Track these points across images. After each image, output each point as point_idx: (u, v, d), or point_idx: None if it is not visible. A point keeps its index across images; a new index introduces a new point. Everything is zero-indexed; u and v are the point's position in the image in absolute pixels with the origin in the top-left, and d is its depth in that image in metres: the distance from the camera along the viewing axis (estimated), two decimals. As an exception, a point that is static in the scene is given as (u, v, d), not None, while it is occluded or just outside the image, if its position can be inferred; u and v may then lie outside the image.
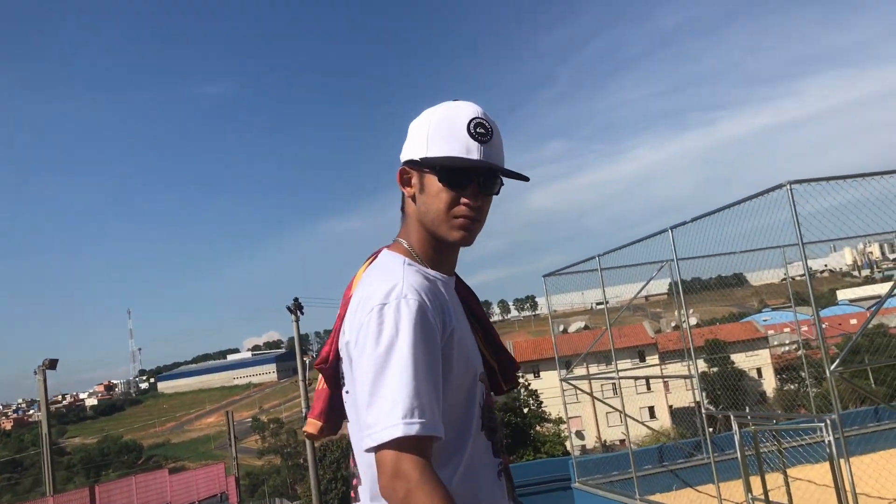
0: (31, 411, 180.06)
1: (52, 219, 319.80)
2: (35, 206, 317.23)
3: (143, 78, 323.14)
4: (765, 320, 56.41)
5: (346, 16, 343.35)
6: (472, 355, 1.55)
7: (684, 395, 46.40)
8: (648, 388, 50.05)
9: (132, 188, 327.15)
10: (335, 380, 1.61)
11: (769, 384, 51.49)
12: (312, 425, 1.72)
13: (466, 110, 1.54)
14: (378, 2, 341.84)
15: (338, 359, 1.56)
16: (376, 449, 1.30)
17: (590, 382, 15.78)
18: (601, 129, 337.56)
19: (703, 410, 9.09)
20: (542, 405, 33.49)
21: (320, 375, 1.66)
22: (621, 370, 12.11)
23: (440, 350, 1.41)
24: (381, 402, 1.31)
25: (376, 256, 1.62)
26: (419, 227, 1.57)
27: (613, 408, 12.56)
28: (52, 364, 16.68)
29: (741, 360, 48.40)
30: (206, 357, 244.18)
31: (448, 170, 1.50)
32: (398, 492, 1.26)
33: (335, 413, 1.69)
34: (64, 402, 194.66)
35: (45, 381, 16.55)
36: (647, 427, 21.63)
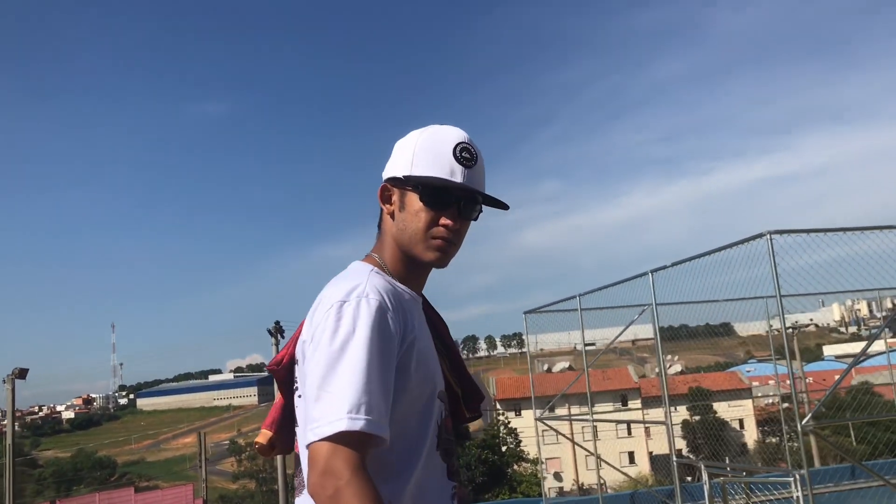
0: (5, 421, 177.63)
1: (39, 228, 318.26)
2: (23, 215, 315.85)
3: (139, 92, 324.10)
4: (748, 371, 56.36)
5: (349, 47, 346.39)
6: (435, 372, 1.53)
7: (664, 442, 46.23)
8: (629, 433, 49.72)
9: (123, 202, 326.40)
10: (289, 385, 1.58)
11: (751, 436, 51.24)
12: (263, 436, 1.68)
13: (453, 134, 1.56)
14: (381, 35, 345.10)
15: (293, 362, 1.55)
16: (312, 444, 1.27)
17: (571, 424, 15.68)
18: (597, 171, 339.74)
19: (675, 459, 8.98)
20: (521, 444, 33.19)
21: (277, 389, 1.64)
22: (601, 413, 12.02)
23: (396, 355, 1.40)
24: (329, 397, 1.29)
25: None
26: (394, 245, 1.58)
27: (588, 451, 12.43)
28: (22, 374, 16.36)
29: (724, 409, 48.22)
30: (188, 376, 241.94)
31: (430, 189, 1.51)
32: (327, 489, 1.23)
33: (288, 423, 1.64)
34: (40, 413, 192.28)
35: (13, 390, 16.25)
36: (622, 473, 21.44)
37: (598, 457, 11.41)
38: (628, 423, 37.54)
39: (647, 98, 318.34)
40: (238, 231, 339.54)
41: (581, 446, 13.28)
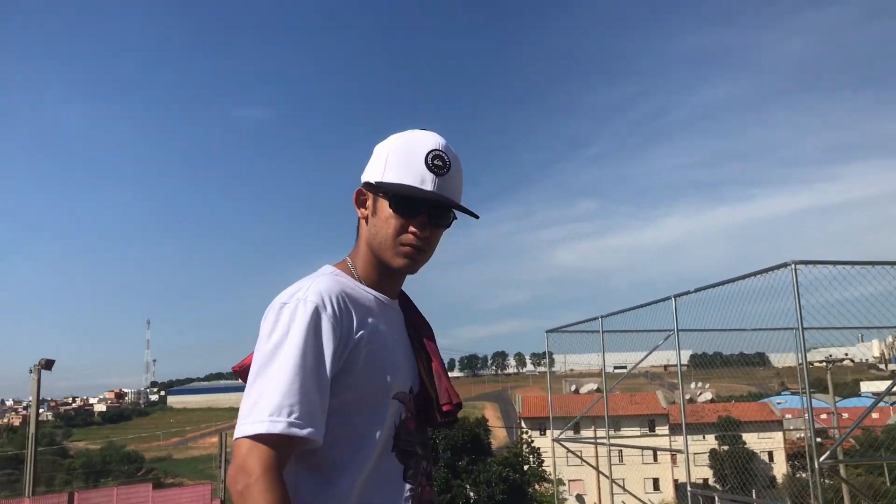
0: (41, 410, 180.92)
1: (85, 225, 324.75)
2: (68, 211, 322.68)
3: (183, 95, 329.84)
4: (779, 403, 55.25)
5: (395, 59, 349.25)
6: (389, 372, 1.54)
7: (692, 470, 45.46)
8: (655, 460, 49.01)
9: (165, 203, 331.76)
10: None
11: (780, 469, 50.19)
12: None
13: (427, 140, 1.56)
14: (427, 47, 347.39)
15: None
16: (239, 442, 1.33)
17: (596, 447, 15.45)
18: (634, 192, 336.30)
19: (689, 488, 8.80)
20: (544, 464, 32.88)
21: None
22: (625, 437, 11.84)
23: (337, 356, 1.43)
24: (257, 397, 1.34)
25: None
26: (366, 249, 1.60)
27: (605, 475, 12.25)
28: (48, 364, 16.74)
29: (753, 440, 47.33)
30: (218, 376, 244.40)
31: (399, 197, 1.53)
32: (238, 484, 1.28)
33: None
34: (74, 404, 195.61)
35: (38, 380, 16.54)
36: (639, 500, 21.11)
37: (613, 481, 11.23)
38: (643, 448, 36.98)
39: (691, 122, 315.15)
40: (275, 234, 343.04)
41: (598, 470, 13.06)
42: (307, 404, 1.35)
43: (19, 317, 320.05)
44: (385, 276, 1.61)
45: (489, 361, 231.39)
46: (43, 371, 17.08)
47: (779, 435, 51.05)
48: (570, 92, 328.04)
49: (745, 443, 45.64)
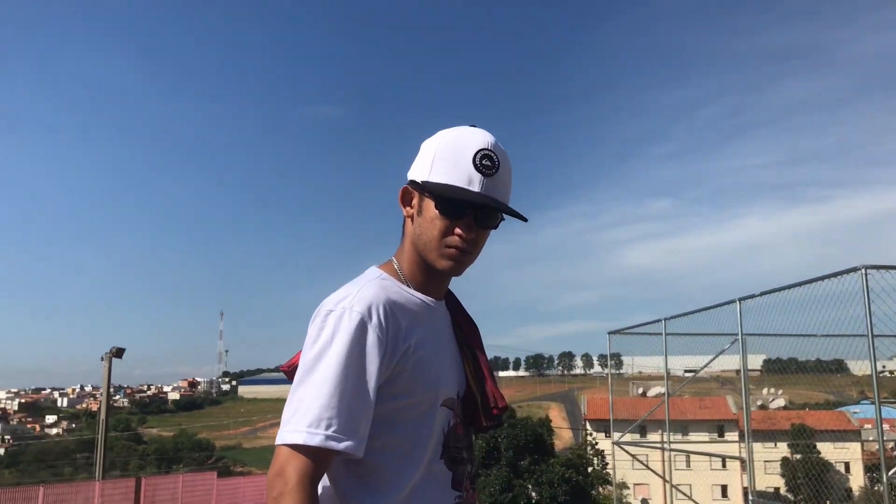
0: (118, 396, 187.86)
1: (160, 216, 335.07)
2: (150, 205, 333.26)
3: (263, 93, 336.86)
4: (855, 412, 53.25)
5: (463, 54, 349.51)
6: (438, 379, 1.52)
7: (763, 479, 44.15)
8: (724, 466, 47.88)
9: (239, 195, 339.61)
10: None
11: (856, 481, 48.40)
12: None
13: (476, 139, 1.50)
14: (498, 43, 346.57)
15: None
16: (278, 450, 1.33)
17: (662, 452, 15.14)
18: (710, 193, 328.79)
19: (752, 498, 8.52)
20: (608, 466, 32.50)
21: None
22: (691, 443, 11.56)
23: (384, 365, 1.41)
24: (298, 404, 1.34)
25: None
26: (412, 249, 1.55)
27: (664, 479, 11.99)
28: (119, 353, 17.31)
29: (829, 450, 45.77)
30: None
31: (445, 198, 1.48)
32: (274, 489, 1.30)
33: None
34: (148, 391, 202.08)
35: (109, 368, 17.13)
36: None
37: (674, 486, 10.97)
38: (702, 454, 36.15)
39: (769, 120, 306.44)
40: (345, 227, 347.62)
41: (662, 477, 12.78)
42: (347, 416, 1.34)
43: (99, 306, 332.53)
44: (431, 276, 1.57)
45: (555, 362, 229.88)
46: (121, 359, 17.67)
47: (856, 445, 49.21)
48: (642, 88, 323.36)
49: (819, 452, 44.19)
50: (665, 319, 10.11)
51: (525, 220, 1.55)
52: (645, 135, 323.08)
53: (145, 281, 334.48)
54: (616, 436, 12.16)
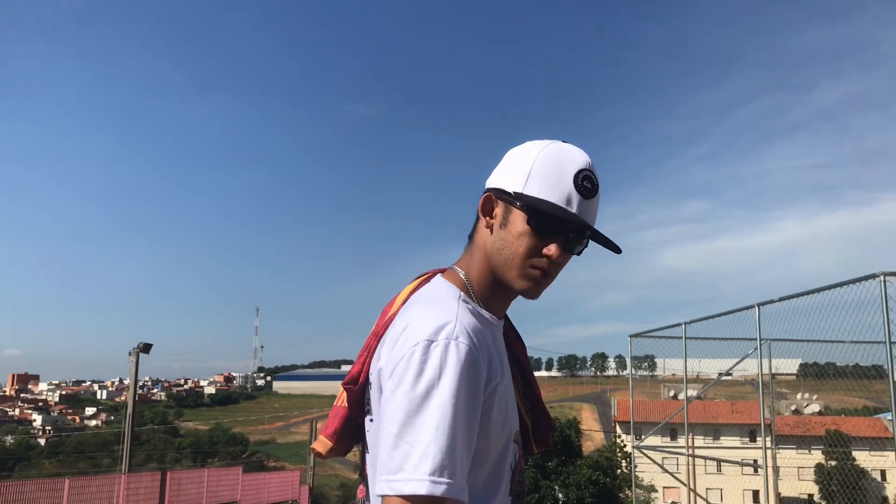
0: (155, 389, 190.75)
1: (200, 212, 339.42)
2: (187, 200, 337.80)
3: (303, 90, 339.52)
4: (890, 419, 52.16)
5: (501, 56, 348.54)
6: (511, 414, 1.40)
7: (796, 485, 43.41)
8: (755, 471, 47.23)
9: (278, 193, 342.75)
10: (360, 402, 1.46)
11: (893, 489, 47.42)
12: (322, 444, 1.57)
13: (578, 158, 1.38)
14: (532, 44, 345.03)
15: (368, 381, 1.41)
16: (384, 496, 1.18)
17: (692, 457, 14.99)
18: (747, 194, 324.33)
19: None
20: (636, 469, 32.27)
21: (342, 392, 1.52)
22: (711, 448, 11.45)
23: (481, 406, 1.27)
24: (409, 449, 1.18)
25: (427, 279, 1.50)
26: (485, 261, 1.42)
27: (683, 483, 11.88)
28: (146, 348, 17.56)
29: (865, 457, 44.90)
30: (322, 364, 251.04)
31: (541, 215, 1.35)
32: None
33: (348, 436, 1.54)
34: (185, 385, 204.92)
35: (136, 363, 17.40)
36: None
37: (693, 490, 10.85)
38: (720, 461, 35.64)
39: (809, 121, 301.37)
40: (379, 227, 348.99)
41: (679, 479, 12.68)
42: (463, 464, 1.20)
43: (139, 301, 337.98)
44: (500, 294, 1.43)
45: (588, 363, 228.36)
46: (148, 354, 17.95)
47: (892, 453, 48.19)
48: (679, 88, 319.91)
49: (854, 459, 43.36)
50: (685, 323, 10.04)
51: (619, 251, 1.45)
52: (683, 135, 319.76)
53: (184, 277, 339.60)
54: (636, 440, 12.07)
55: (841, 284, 6.16)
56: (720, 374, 10.71)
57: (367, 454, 1.44)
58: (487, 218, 1.42)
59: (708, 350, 10.95)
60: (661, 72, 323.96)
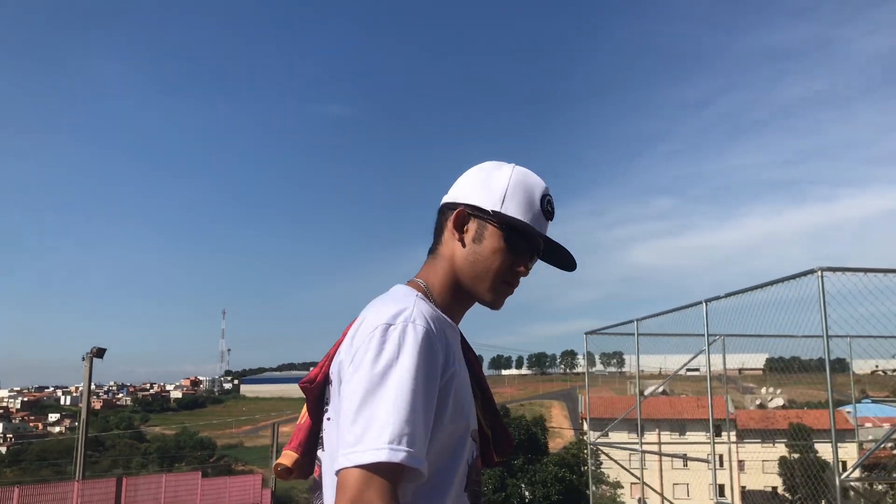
0: (121, 395, 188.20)
1: (166, 216, 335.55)
2: (154, 203, 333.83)
3: (268, 91, 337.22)
4: (848, 412, 53.19)
5: (469, 57, 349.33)
6: (468, 408, 1.43)
7: (761, 478, 44.01)
8: (721, 465, 47.88)
9: (242, 195, 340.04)
10: (319, 404, 1.49)
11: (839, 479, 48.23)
12: (288, 457, 1.56)
13: (540, 182, 1.54)
14: (500, 45, 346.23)
15: (326, 381, 1.46)
16: (344, 469, 1.20)
17: (645, 454, 15.11)
18: (713, 191, 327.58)
19: (717, 499, 8.51)
20: (601, 465, 32.52)
21: (304, 409, 1.55)
22: (692, 443, 11.55)
23: (438, 387, 1.32)
24: (368, 423, 1.21)
25: None
26: (451, 273, 1.51)
27: (637, 477, 12.00)
28: (100, 353, 17.30)
29: (826, 449, 45.66)
30: (290, 366, 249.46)
31: (518, 233, 1.48)
32: None
33: (314, 448, 1.53)
34: (151, 390, 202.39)
35: (90, 367, 17.13)
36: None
37: (645, 484, 10.96)
38: (669, 456, 36.09)
39: (771, 119, 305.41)
40: (348, 230, 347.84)
41: (632, 473, 12.82)
42: (422, 436, 1.24)
43: (102, 304, 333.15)
44: (460, 303, 1.52)
45: (558, 360, 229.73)
46: (102, 359, 17.68)
47: (853, 444, 49.13)
48: (645, 88, 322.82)
49: (817, 451, 44.09)
50: (637, 320, 10.15)
51: (573, 269, 1.60)
52: (650, 133, 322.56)
53: (149, 280, 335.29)
54: (594, 435, 12.17)
55: (782, 280, 6.26)
56: (676, 370, 10.82)
57: (322, 452, 1.46)
58: (458, 232, 1.51)
59: (674, 346, 11.11)
60: (629, 72, 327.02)
